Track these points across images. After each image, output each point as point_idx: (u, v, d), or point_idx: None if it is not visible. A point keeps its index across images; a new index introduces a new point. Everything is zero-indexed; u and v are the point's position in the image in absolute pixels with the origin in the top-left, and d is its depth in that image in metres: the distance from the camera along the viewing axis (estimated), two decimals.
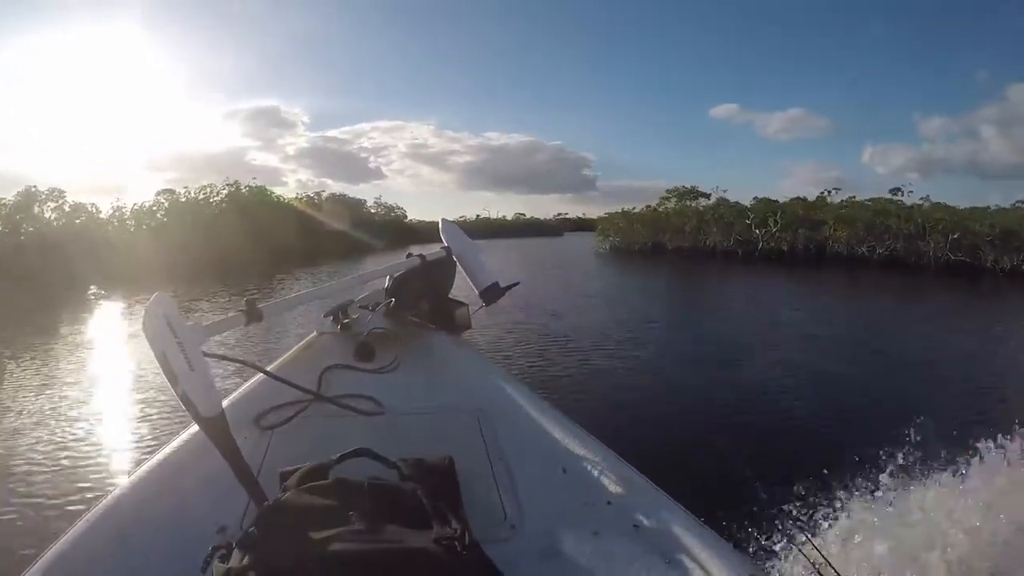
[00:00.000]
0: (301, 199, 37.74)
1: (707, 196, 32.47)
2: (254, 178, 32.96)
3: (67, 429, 5.18)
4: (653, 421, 5.29)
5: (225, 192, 30.05)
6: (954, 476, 2.89)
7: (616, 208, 35.77)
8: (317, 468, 0.80)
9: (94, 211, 24.22)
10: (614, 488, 0.90)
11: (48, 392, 6.39)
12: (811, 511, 3.06)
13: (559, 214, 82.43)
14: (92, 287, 15.92)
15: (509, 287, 1.66)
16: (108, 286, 16.02)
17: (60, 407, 5.83)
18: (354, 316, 1.50)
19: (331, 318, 1.47)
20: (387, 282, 1.59)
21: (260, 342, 7.35)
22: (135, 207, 26.20)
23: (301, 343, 1.43)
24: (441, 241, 1.65)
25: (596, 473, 0.94)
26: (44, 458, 4.56)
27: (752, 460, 3.78)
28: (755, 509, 2.85)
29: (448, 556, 0.65)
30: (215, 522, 0.76)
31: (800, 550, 2.47)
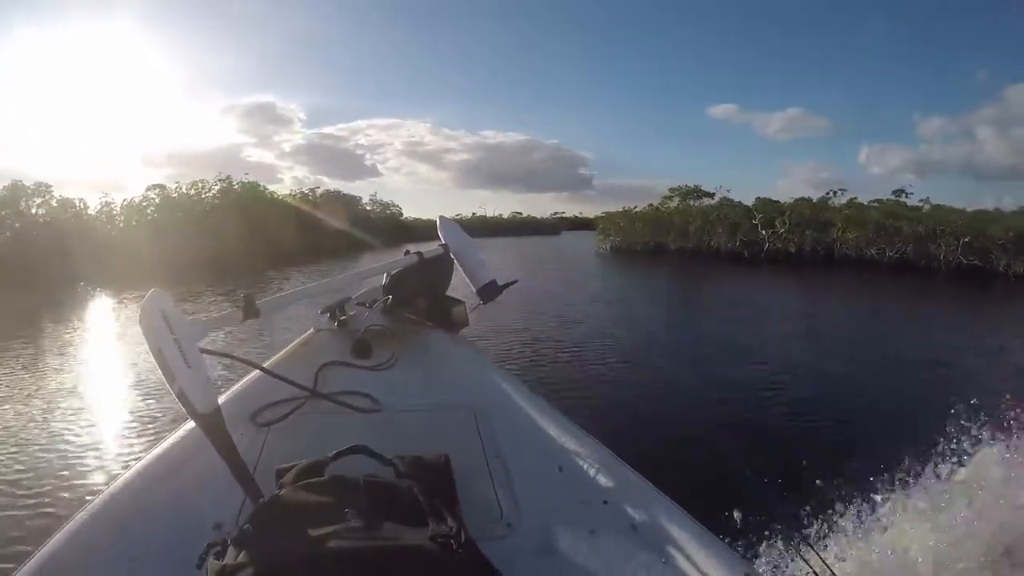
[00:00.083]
0: (295, 196, 37.74)
1: (711, 196, 32.56)
2: (246, 173, 32.96)
3: (61, 426, 5.22)
4: (651, 421, 5.33)
5: (217, 188, 30.03)
6: (956, 480, 2.92)
7: (612, 207, 35.85)
8: (313, 465, 0.81)
9: (82, 207, 24.22)
10: (611, 487, 0.91)
11: (39, 389, 6.42)
12: (808, 513, 3.09)
13: (555, 213, 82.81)
14: (80, 283, 15.91)
15: (507, 285, 1.67)
16: (95, 283, 16.00)
17: (52, 404, 5.85)
18: (351, 313, 1.51)
19: (328, 315, 1.48)
20: (384, 279, 1.61)
21: (257, 339, 7.38)
22: (125, 203, 26.19)
23: (298, 340, 1.44)
24: (439, 238, 1.67)
25: (593, 472, 0.95)
26: (40, 454, 4.60)
27: (750, 461, 3.82)
28: (752, 510, 2.87)
29: (444, 554, 0.66)
30: (211, 519, 0.77)
31: (796, 551, 2.50)
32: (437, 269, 1.62)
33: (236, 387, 1.18)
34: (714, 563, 0.75)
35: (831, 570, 0.94)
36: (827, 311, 13.56)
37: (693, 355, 8.49)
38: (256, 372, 1.18)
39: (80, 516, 0.81)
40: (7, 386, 6.57)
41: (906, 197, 29.23)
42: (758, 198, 31.25)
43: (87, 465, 4.44)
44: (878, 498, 3.00)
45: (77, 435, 5.00)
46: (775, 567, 2.60)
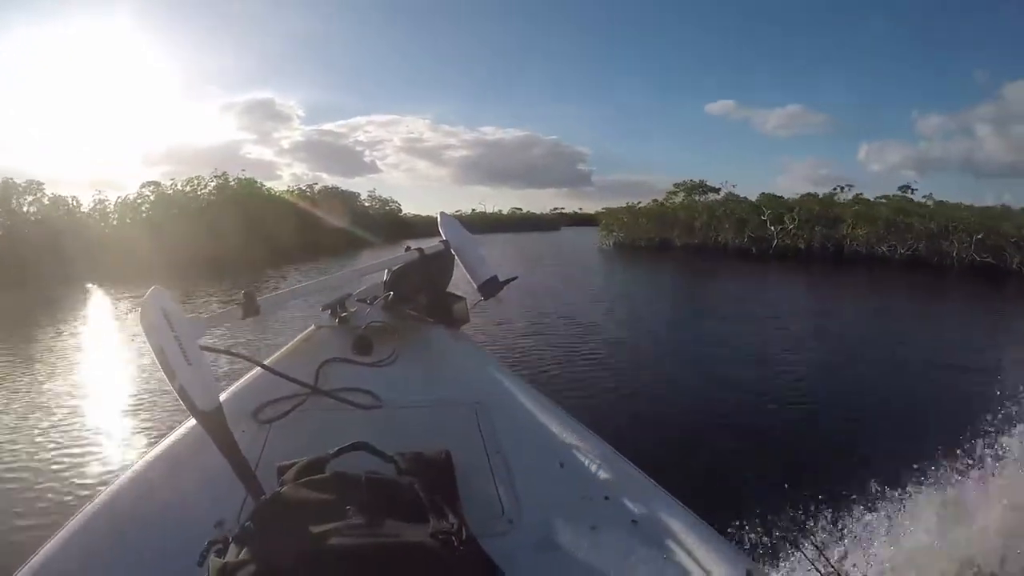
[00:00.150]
0: (292, 192, 37.78)
1: (716, 191, 32.41)
2: (243, 170, 32.96)
3: (62, 426, 5.27)
4: (653, 417, 5.36)
5: (213, 184, 30.05)
6: (959, 481, 2.93)
7: (612, 203, 35.70)
8: (314, 462, 0.83)
9: (74, 204, 24.26)
10: (612, 483, 0.92)
11: (38, 389, 6.48)
12: (811, 511, 3.11)
13: (555, 209, 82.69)
14: (87, 284, 15.95)
15: (508, 281, 1.69)
16: (88, 280, 16.06)
17: (52, 403, 5.91)
18: (352, 309, 1.53)
19: (329, 311, 1.50)
20: (385, 275, 1.63)
21: (258, 336, 7.43)
22: (119, 200, 26.23)
23: (299, 336, 1.45)
24: (439, 234, 1.69)
25: (594, 468, 0.96)
26: (41, 454, 4.66)
27: (753, 459, 3.84)
28: (754, 507, 2.90)
29: (445, 550, 0.67)
30: (213, 516, 0.79)
31: (798, 548, 2.51)
32: (438, 265, 1.63)
33: (237, 384, 1.19)
34: (716, 559, 0.76)
35: (834, 567, 0.95)
36: (838, 309, 13.52)
37: (698, 352, 8.49)
38: (257, 369, 1.20)
39: (82, 514, 0.82)
40: (6, 386, 6.63)
41: (911, 193, 29.17)
42: (763, 194, 31.25)
43: (88, 464, 4.50)
44: (881, 499, 3.01)
45: (78, 434, 5.06)
46: (777, 563, 2.61)
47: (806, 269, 21.76)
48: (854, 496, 3.10)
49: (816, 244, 26.64)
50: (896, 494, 2.99)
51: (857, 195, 29.94)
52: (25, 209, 22.40)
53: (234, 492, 0.82)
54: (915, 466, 3.17)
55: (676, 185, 33.45)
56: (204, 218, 25.54)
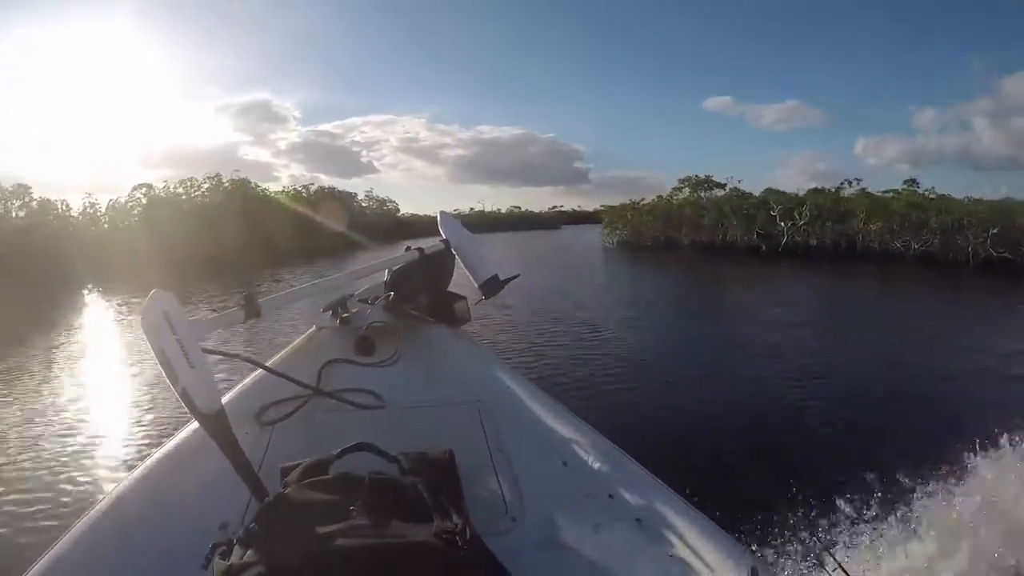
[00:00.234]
0: (287, 192, 37.85)
1: (722, 186, 32.18)
2: (236, 170, 33.09)
3: (65, 429, 5.34)
4: (657, 415, 5.38)
5: (207, 186, 30.14)
6: (963, 482, 2.93)
7: (610, 200, 35.57)
8: (318, 463, 0.84)
9: (63, 208, 24.36)
10: (616, 481, 0.94)
11: (39, 391, 6.56)
12: (815, 509, 3.13)
13: (554, 207, 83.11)
14: (87, 287, 16.00)
15: (509, 280, 1.71)
16: (80, 284, 16.11)
17: (55, 407, 5.98)
18: (353, 310, 1.55)
19: (330, 312, 1.52)
20: (386, 276, 1.65)
21: (259, 338, 7.47)
22: (110, 203, 26.34)
23: (301, 338, 1.47)
24: (438, 234, 1.71)
25: (597, 466, 0.98)
26: (46, 458, 4.73)
27: (758, 458, 3.84)
28: (759, 505, 2.91)
29: (449, 550, 0.68)
30: (217, 519, 0.80)
31: (804, 546, 2.52)
32: (438, 265, 1.65)
33: (239, 386, 1.21)
34: (721, 557, 0.77)
35: (840, 565, 0.97)
36: (854, 308, 13.43)
37: (704, 351, 8.50)
38: (259, 371, 1.22)
39: (86, 518, 0.84)
40: (8, 389, 6.70)
41: (917, 187, 28.89)
42: (768, 189, 31.07)
43: (93, 468, 4.56)
44: (888, 499, 3.02)
45: (82, 438, 5.12)
46: (783, 561, 2.62)
47: (818, 266, 21.66)
48: (861, 496, 3.12)
49: (827, 240, 26.42)
50: (904, 494, 3.00)
51: (862, 190, 29.74)
52: (13, 214, 22.50)
53: (238, 494, 0.84)
54: (925, 466, 3.18)
55: (681, 180, 33.29)
56: (198, 220, 25.63)
